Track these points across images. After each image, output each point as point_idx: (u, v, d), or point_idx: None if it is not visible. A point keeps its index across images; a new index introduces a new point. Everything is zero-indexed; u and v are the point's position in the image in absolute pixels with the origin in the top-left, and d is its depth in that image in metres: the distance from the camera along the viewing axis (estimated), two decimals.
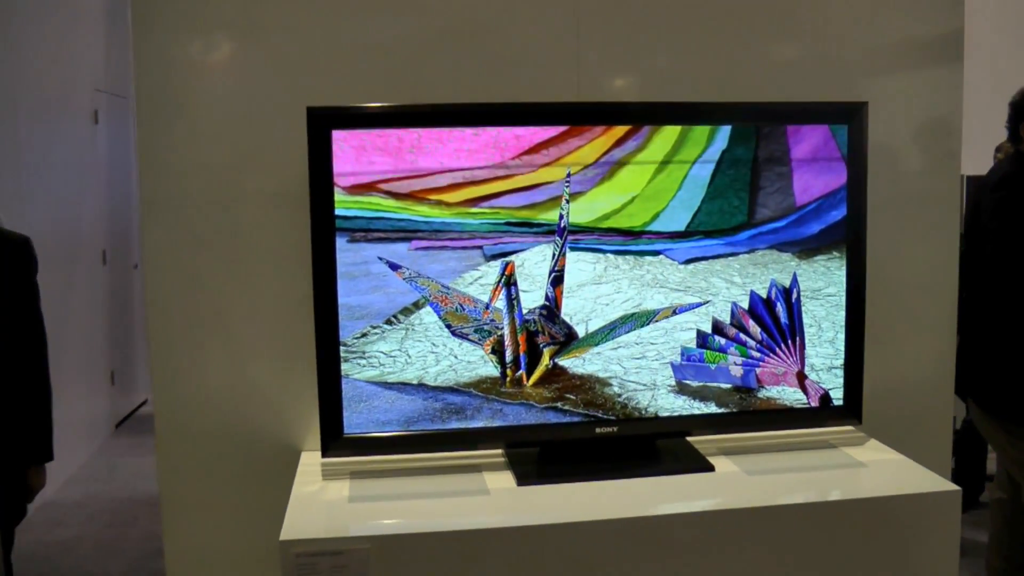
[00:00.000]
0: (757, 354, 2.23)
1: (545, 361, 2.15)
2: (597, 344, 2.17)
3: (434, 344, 2.12)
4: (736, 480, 2.12)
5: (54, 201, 5.49)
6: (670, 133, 2.15)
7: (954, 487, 2.06)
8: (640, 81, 2.40)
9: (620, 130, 2.13)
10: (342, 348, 2.08)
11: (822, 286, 2.25)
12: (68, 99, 5.76)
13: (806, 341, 2.25)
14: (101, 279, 6.23)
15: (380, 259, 2.08)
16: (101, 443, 6.14)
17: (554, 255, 2.13)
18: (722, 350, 2.22)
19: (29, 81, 5.23)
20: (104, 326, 6.27)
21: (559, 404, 2.16)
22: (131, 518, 4.82)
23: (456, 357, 2.13)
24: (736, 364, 2.23)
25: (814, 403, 2.27)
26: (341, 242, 2.05)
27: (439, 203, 2.09)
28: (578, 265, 2.15)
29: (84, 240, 5.95)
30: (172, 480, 2.31)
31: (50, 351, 2.88)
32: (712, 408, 2.22)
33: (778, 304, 2.23)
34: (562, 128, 2.11)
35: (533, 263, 2.13)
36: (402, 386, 2.12)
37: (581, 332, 2.16)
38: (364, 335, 2.10)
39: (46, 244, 5.24)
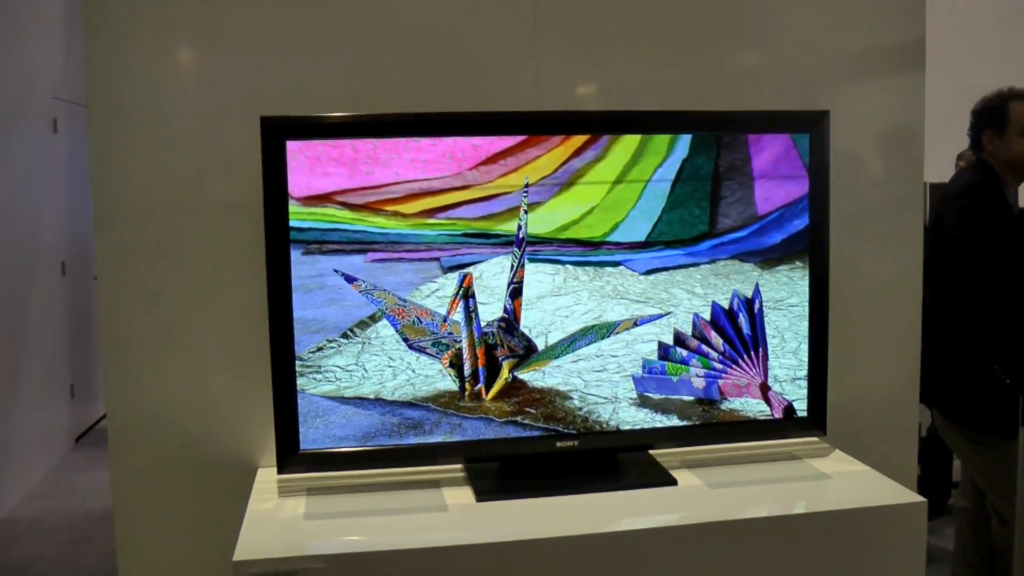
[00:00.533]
0: (720, 366, 2.21)
1: (504, 374, 2.12)
2: (557, 357, 2.14)
3: (391, 358, 2.08)
4: (699, 494, 2.09)
5: (11, 211, 5.38)
6: (629, 143, 2.12)
7: (920, 498, 2.04)
8: (600, 91, 2.38)
9: (579, 140, 2.10)
10: (298, 362, 2.04)
11: (785, 296, 2.23)
12: (26, 107, 5.65)
13: (769, 352, 2.23)
14: (60, 290, 6.13)
15: (336, 271, 2.04)
16: (61, 458, 6.03)
17: (512, 267, 2.10)
18: (684, 362, 2.19)
19: None
20: (63, 338, 6.17)
21: (519, 418, 2.13)
22: (90, 535, 4.72)
23: (414, 371, 2.09)
24: (698, 376, 2.20)
25: (778, 415, 2.24)
26: (296, 254, 2.01)
27: (395, 214, 2.05)
28: (537, 277, 2.12)
29: (43, 251, 5.84)
30: (126, 496, 2.27)
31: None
32: (674, 421, 2.20)
33: (740, 315, 2.21)
34: (520, 138, 2.08)
35: (491, 275, 2.10)
36: (359, 401, 2.08)
37: (540, 345, 2.13)
38: (320, 349, 2.06)
39: (3, 255, 5.19)
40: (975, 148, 3.20)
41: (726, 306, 2.20)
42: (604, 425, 2.16)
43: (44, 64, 5.95)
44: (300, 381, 2.05)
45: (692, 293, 2.19)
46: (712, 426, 2.22)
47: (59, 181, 6.14)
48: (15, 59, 5.49)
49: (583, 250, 2.14)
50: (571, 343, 2.14)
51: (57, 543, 4.66)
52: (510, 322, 2.11)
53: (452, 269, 2.08)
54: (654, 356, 2.18)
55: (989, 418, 3.00)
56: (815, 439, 2.34)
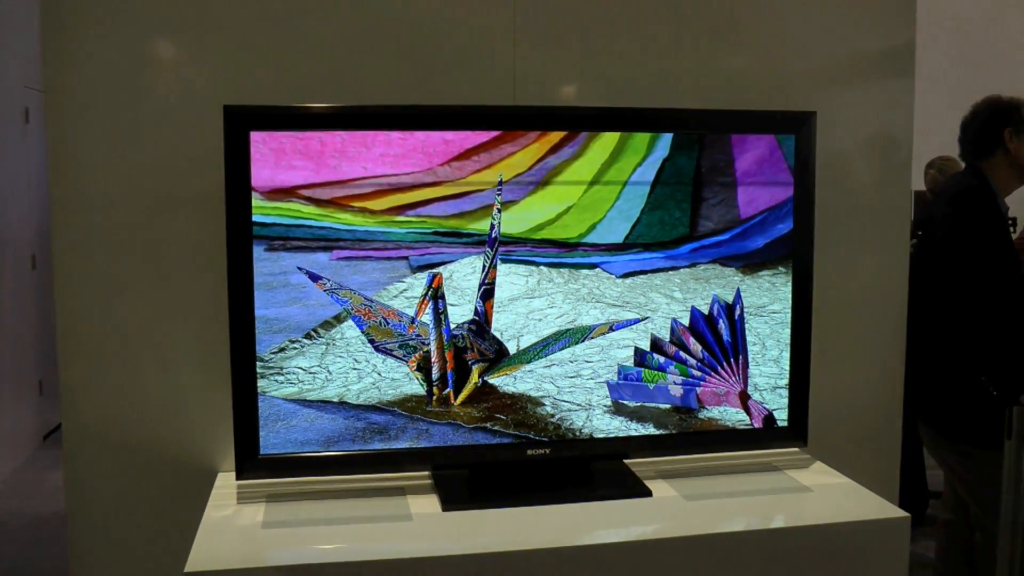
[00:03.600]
0: (698, 373, 2.14)
1: (474, 379, 2.05)
2: (529, 361, 2.07)
3: (356, 360, 2.01)
4: (674, 506, 2.03)
5: None
6: (608, 140, 2.05)
7: (903, 513, 1.99)
8: (580, 87, 2.31)
9: (555, 136, 2.03)
10: (259, 363, 1.97)
11: (767, 302, 2.16)
12: None
13: (749, 360, 2.17)
14: (30, 284, 6.03)
15: (300, 269, 1.97)
16: (27, 456, 5.93)
17: (484, 267, 2.03)
18: (661, 369, 2.12)
19: None
20: (33, 333, 6.07)
21: (488, 424, 2.06)
22: (54, 536, 4.62)
23: (380, 374, 2.02)
24: (676, 383, 2.13)
25: (757, 424, 2.18)
26: (258, 251, 1.94)
27: (363, 211, 1.98)
28: (510, 278, 2.05)
29: (12, 244, 5.75)
30: (80, 499, 2.19)
31: None
32: (650, 429, 2.13)
33: (720, 321, 2.14)
34: (494, 133, 2.00)
35: (462, 275, 2.02)
36: (322, 404, 2.01)
37: (512, 349, 2.06)
38: (282, 350, 1.99)
39: None
40: (977, 153, 3.13)
41: (706, 312, 2.14)
42: (577, 433, 2.09)
43: (15, 52, 5.85)
44: (261, 383, 1.98)
45: (671, 298, 2.12)
46: (689, 435, 2.16)
47: (31, 172, 6.04)
48: None
49: (558, 251, 2.07)
50: (544, 347, 2.07)
51: (19, 545, 4.56)
52: (481, 324, 2.04)
53: (421, 269, 2.01)
54: (630, 362, 2.12)
55: (976, 429, 2.96)
56: (795, 450, 2.29)
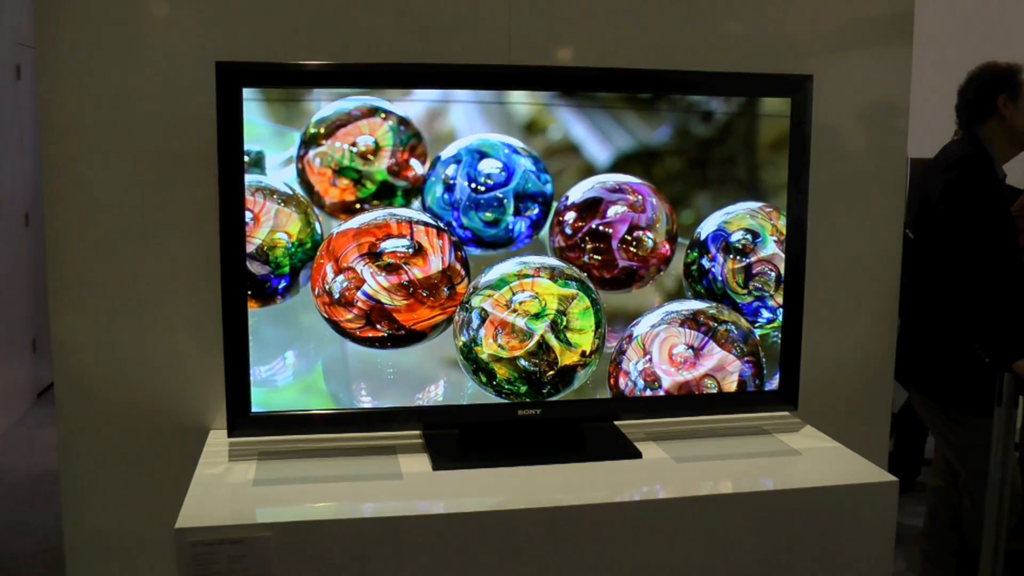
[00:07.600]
0: None
1: None
2: None
3: None
4: (664, 467, 2.03)
5: None
6: None
7: (891, 478, 1.99)
8: (576, 51, 2.29)
9: None
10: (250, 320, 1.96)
11: None
12: None
13: None
14: (23, 242, 6.01)
15: None
16: (21, 413, 5.93)
17: None
18: None
19: None
20: (26, 291, 6.05)
21: None
22: (48, 493, 4.62)
23: None
24: None
25: (748, 387, 2.17)
26: None
27: None
28: None
29: (5, 201, 5.72)
30: (72, 458, 2.19)
31: None
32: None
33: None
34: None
35: None
36: None
37: None
38: None
39: None
40: (973, 119, 3.12)
41: None
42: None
43: (7, 8, 5.79)
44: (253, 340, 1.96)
45: None
46: (680, 397, 2.15)
47: (23, 130, 5.98)
48: None
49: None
50: None
51: (13, 502, 4.57)
52: None
53: None
54: None
55: (967, 396, 2.97)
56: (786, 413, 2.29)
